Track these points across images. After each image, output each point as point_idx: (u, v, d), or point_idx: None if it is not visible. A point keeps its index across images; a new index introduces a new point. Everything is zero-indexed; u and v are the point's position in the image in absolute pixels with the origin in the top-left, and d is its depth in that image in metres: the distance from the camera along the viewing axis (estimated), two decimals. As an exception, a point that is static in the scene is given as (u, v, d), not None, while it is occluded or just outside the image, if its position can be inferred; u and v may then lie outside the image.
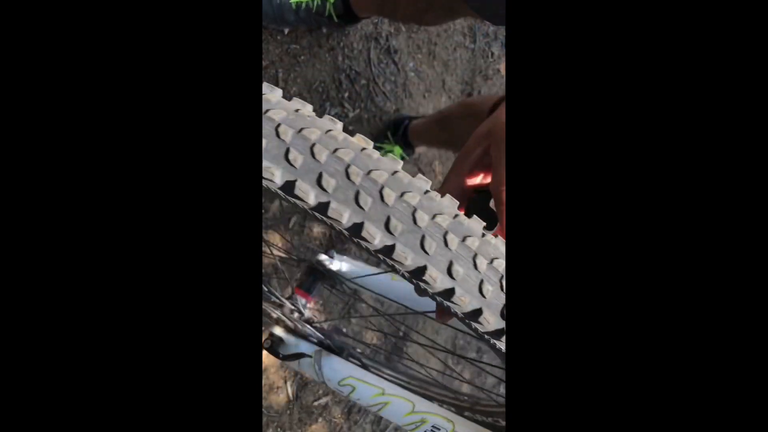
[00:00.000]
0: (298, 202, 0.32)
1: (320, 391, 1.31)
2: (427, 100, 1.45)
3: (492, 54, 1.58)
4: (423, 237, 0.33)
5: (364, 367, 0.67)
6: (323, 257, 0.82)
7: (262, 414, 1.21)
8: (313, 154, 0.32)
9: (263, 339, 0.71)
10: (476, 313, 0.34)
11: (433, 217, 0.33)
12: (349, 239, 0.33)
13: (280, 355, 0.69)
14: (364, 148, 0.34)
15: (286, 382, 1.25)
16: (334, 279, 0.82)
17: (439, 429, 0.59)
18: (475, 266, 0.33)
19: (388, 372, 0.68)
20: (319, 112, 0.37)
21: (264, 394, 1.22)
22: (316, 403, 1.31)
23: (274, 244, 0.82)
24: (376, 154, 0.34)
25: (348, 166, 0.32)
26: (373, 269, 0.81)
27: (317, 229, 1.27)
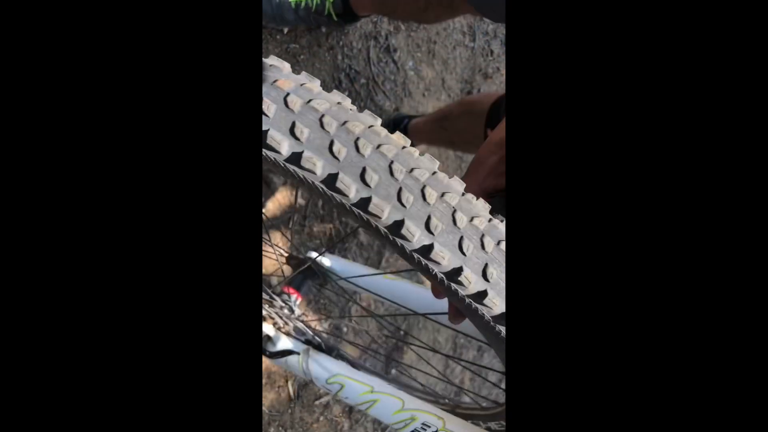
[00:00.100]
0: (336, 195, 0.31)
1: (321, 390, 1.31)
2: (426, 98, 1.45)
3: (492, 52, 1.58)
4: (461, 238, 0.32)
5: (353, 365, 0.67)
6: (314, 254, 0.81)
7: (262, 413, 1.21)
8: (357, 148, 0.31)
9: None
10: (482, 295, 0.34)
11: (471, 219, 0.33)
12: (383, 237, 0.33)
13: (267, 353, 0.69)
14: (404, 146, 0.34)
15: (287, 381, 1.25)
16: (325, 277, 0.82)
17: (429, 426, 0.59)
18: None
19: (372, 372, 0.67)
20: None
21: (265, 393, 1.22)
22: (317, 402, 1.31)
23: (268, 240, 0.82)
24: (416, 152, 0.34)
25: (391, 162, 0.32)
26: (369, 269, 0.81)
27: (317, 228, 1.27)
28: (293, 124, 0.31)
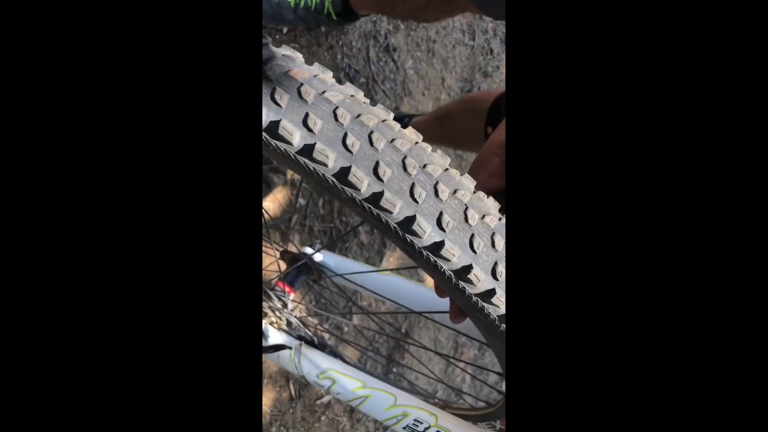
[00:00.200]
0: (347, 189, 0.31)
1: (323, 390, 1.31)
2: (426, 97, 1.45)
3: (491, 51, 1.58)
4: (473, 236, 0.32)
5: (345, 361, 0.67)
6: (309, 250, 0.81)
7: (262, 413, 1.21)
8: (371, 142, 0.31)
9: None
10: (491, 293, 0.33)
11: (483, 217, 0.33)
12: (392, 233, 0.32)
13: None
14: (417, 142, 0.33)
15: (288, 381, 1.25)
16: (319, 273, 0.81)
17: (421, 422, 0.58)
18: None
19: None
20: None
21: (267, 393, 1.22)
22: (318, 402, 1.31)
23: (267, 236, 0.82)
24: (429, 148, 0.33)
25: (405, 157, 0.31)
26: (365, 266, 0.81)
27: (318, 228, 1.27)
28: (306, 115, 0.30)
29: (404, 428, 0.59)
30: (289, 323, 0.70)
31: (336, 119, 0.30)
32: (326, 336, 1.20)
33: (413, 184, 0.31)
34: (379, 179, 0.31)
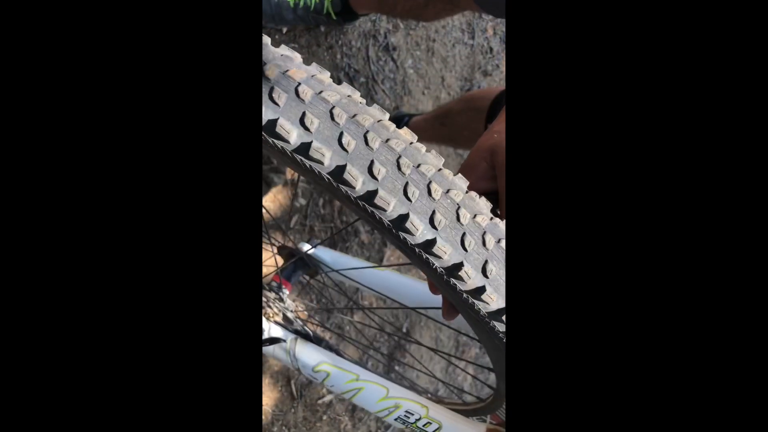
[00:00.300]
0: (342, 187, 0.32)
1: (324, 389, 1.31)
2: (426, 96, 1.45)
3: (491, 49, 1.58)
4: (464, 234, 0.33)
5: (339, 354, 0.67)
6: (306, 246, 0.82)
7: (261, 413, 1.21)
8: (366, 141, 0.31)
9: None
10: (480, 290, 0.34)
11: (474, 216, 0.34)
12: (386, 230, 0.33)
13: None
14: (412, 142, 0.34)
15: (290, 381, 1.25)
16: (316, 268, 0.82)
17: (412, 414, 0.59)
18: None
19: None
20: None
21: (268, 393, 1.22)
22: (320, 401, 1.31)
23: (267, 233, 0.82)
24: (423, 148, 0.34)
25: (399, 156, 0.32)
26: (362, 262, 0.81)
27: (318, 228, 1.27)
28: (303, 114, 0.31)
29: (396, 419, 0.60)
30: (285, 317, 0.71)
31: (332, 118, 0.31)
32: (327, 335, 1.20)
33: (407, 183, 0.32)
34: (374, 178, 0.31)
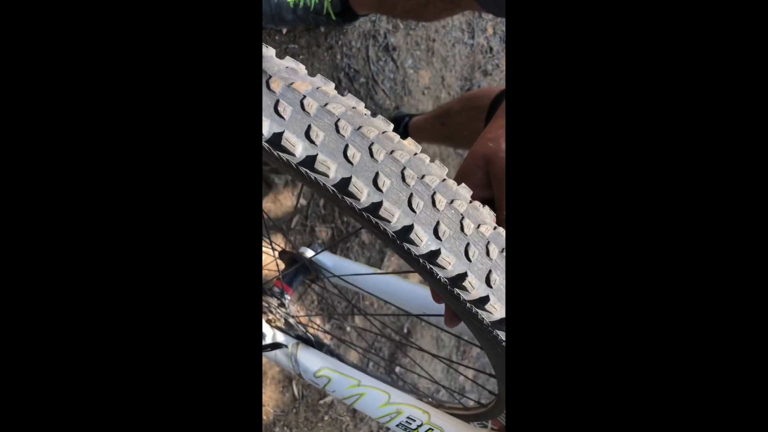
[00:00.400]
0: (347, 199, 0.32)
1: (319, 388, 1.31)
2: (426, 96, 1.45)
3: (491, 49, 1.58)
4: (468, 245, 0.33)
5: (341, 359, 0.67)
6: (307, 250, 0.82)
7: (261, 412, 1.21)
8: (371, 153, 0.32)
9: None
10: (484, 300, 0.34)
11: (478, 226, 0.34)
12: (390, 240, 0.33)
13: None
14: (416, 153, 0.34)
15: (291, 382, 1.25)
16: (317, 273, 0.82)
17: (414, 420, 0.59)
18: None
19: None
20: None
21: (270, 394, 1.22)
22: (321, 402, 1.31)
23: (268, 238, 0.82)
24: (427, 159, 0.34)
25: (404, 168, 0.32)
26: (364, 268, 0.81)
27: (319, 229, 1.27)
28: (309, 127, 0.31)
29: (398, 425, 0.60)
30: (286, 322, 0.71)
31: (338, 131, 0.31)
32: (327, 338, 1.20)
33: (411, 194, 0.32)
34: (379, 189, 0.31)
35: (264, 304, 0.71)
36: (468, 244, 0.33)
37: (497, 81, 1.58)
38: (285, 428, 1.25)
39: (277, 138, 0.30)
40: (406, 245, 0.33)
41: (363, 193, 0.31)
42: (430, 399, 0.70)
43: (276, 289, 0.76)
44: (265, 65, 0.31)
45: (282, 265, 0.83)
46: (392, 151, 0.32)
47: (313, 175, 0.31)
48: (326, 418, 1.32)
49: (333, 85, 0.34)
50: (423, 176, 0.33)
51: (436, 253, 0.32)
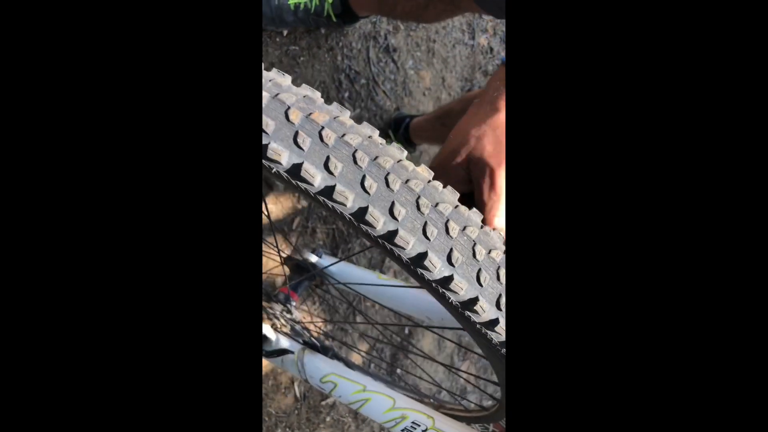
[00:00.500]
0: (363, 226, 0.33)
1: (325, 393, 1.31)
2: (427, 97, 1.45)
3: (491, 50, 1.58)
4: (479, 270, 0.34)
5: (347, 365, 0.68)
6: (313, 257, 0.82)
7: (262, 412, 1.22)
8: (387, 183, 0.32)
9: None
10: (494, 323, 0.35)
11: (489, 252, 0.35)
12: (404, 265, 0.34)
13: (263, 351, 0.70)
14: (430, 180, 0.35)
15: (293, 383, 1.25)
16: (322, 279, 0.82)
17: (419, 425, 0.59)
18: None
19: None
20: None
21: (272, 395, 1.22)
22: (323, 403, 1.31)
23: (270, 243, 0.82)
24: (440, 186, 0.35)
25: (418, 197, 0.33)
26: (371, 276, 0.81)
27: (320, 230, 1.27)
28: (328, 159, 0.31)
29: (403, 430, 0.60)
30: (293, 328, 0.71)
31: (355, 162, 0.32)
32: (330, 341, 1.20)
33: (426, 223, 0.33)
34: (394, 218, 0.32)
35: (270, 310, 0.71)
36: (480, 269, 0.34)
37: (498, 81, 1.57)
38: (287, 429, 1.25)
39: (296, 169, 0.31)
40: (420, 270, 0.33)
41: (379, 222, 0.32)
42: (431, 400, 0.70)
43: (281, 295, 0.76)
44: (282, 94, 0.32)
45: (287, 271, 0.83)
46: (407, 180, 0.33)
47: (331, 204, 0.32)
48: (328, 419, 1.32)
49: (348, 113, 0.35)
50: (437, 204, 0.34)
51: (449, 279, 0.33)
